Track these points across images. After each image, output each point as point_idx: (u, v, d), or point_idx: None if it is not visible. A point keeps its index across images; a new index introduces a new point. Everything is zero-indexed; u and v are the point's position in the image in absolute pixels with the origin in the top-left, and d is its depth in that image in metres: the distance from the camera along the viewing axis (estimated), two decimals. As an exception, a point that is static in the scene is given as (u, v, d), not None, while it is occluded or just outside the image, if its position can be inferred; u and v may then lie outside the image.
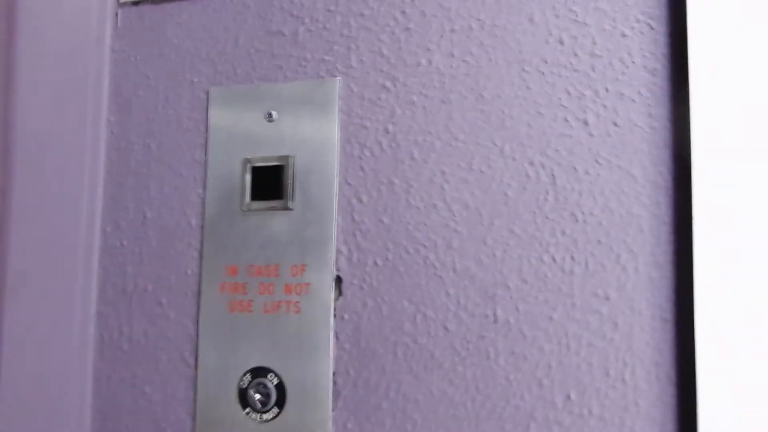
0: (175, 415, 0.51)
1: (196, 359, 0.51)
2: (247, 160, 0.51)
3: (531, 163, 0.46)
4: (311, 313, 0.49)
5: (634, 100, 0.45)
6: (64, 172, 0.54)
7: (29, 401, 0.52)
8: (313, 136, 0.50)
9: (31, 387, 0.51)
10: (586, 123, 0.46)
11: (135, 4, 0.56)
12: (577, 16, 0.46)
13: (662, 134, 0.44)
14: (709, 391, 0.40)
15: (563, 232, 0.45)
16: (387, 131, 0.49)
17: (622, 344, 0.44)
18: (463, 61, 0.48)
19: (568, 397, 0.44)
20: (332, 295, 0.49)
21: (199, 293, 0.52)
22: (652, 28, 0.45)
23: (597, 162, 0.45)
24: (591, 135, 0.45)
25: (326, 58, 0.51)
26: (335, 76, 0.51)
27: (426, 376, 0.47)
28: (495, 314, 0.46)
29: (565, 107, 0.46)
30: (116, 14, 0.57)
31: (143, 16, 0.56)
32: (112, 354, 0.53)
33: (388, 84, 0.50)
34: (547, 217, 0.46)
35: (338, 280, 0.49)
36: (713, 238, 0.41)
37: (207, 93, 0.53)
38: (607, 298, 0.44)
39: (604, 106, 0.45)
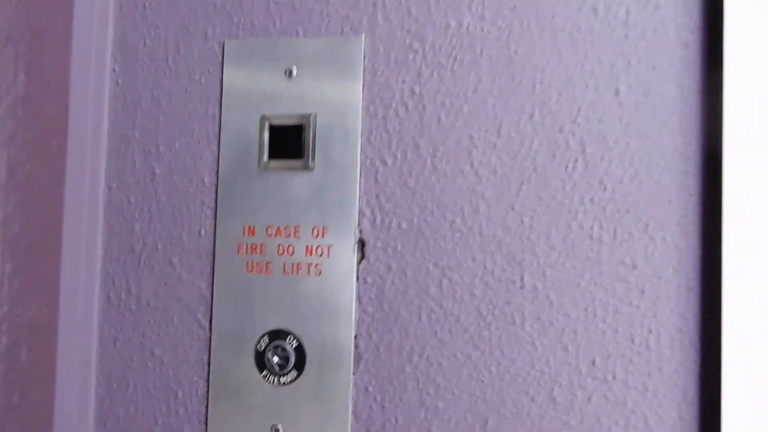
0: (187, 378, 0.50)
1: (211, 321, 0.50)
2: (264, 118, 0.50)
3: (560, 131, 0.46)
4: (333, 276, 0.48)
5: (665, 71, 0.45)
6: (66, 124, 0.51)
7: (31, 361, 0.50)
8: (336, 96, 0.49)
9: (32, 347, 0.49)
10: (617, 92, 0.46)
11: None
12: (613, -17, 0.46)
13: (693, 105, 0.45)
14: (733, 359, 0.42)
15: (592, 200, 0.46)
16: (413, 93, 0.49)
17: (648, 311, 0.45)
18: (495, 24, 0.48)
19: (593, 362, 0.45)
20: (355, 257, 0.48)
21: (213, 253, 0.50)
22: (686, 1, 0.45)
23: (627, 131, 0.46)
24: (622, 104, 0.46)
25: (351, 14, 0.50)
26: (360, 34, 0.49)
27: (450, 340, 0.47)
28: (522, 280, 0.46)
29: (596, 76, 0.46)
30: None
31: (152, -39, 0.53)
32: (119, 314, 0.51)
33: (415, 45, 0.49)
34: (575, 185, 0.46)
35: (361, 243, 0.48)
36: (742, 209, 0.43)
37: (222, 46, 0.51)
38: (634, 267, 0.45)
39: (635, 76, 0.46)
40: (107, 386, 0.51)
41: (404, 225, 0.48)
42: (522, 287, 0.46)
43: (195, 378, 0.50)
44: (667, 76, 0.45)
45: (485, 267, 0.47)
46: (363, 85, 0.49)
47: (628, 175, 0.45)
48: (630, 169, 0.45)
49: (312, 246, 0.49)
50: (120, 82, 0.53)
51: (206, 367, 0.50)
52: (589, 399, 0.45)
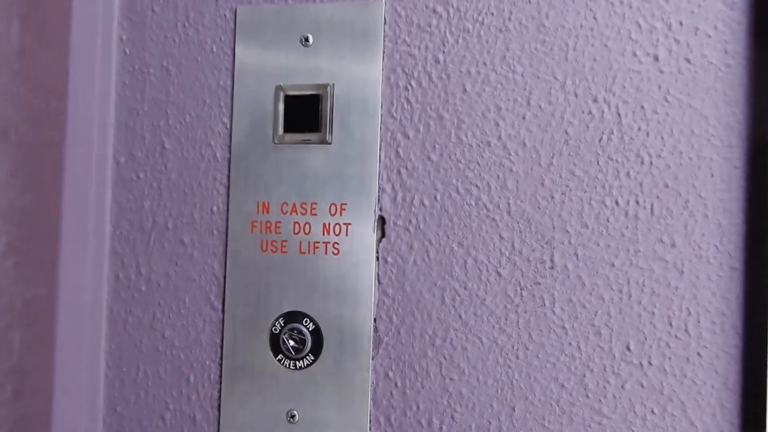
0: (199, 362, 0.48)
1: (224, 302, 0.48)
2: (279, 88, 0.47)
3: (595, 100, 0.44)
4: (351, 255, 0.46)
5: (709, 36, 0.42)
6: (71, 96, 0.49)
7: (38, 344, 0.48)
8: (354, 65, 0.47)
9: (40, 329, 0.48)
10: (656, 58, 0.43)
11: None
12: (653, -60, 0.43)
13: (738, 73, 0.42)
14: (782, 343, 0.39)
15: (628, 174, 0.43)
16: (437, 61, 0.46)
17: (687, 293, 0.42)
18: (524, -14, 0.45)
19: (627, 347, 0.42)
20: (375, 236, 0.46)
21: (226, 232, 0.48)
22: (732, -42, 0.42)
23: (666, 100, 0.43)
24: (661, 71, 0.43)
25: (370, -22, 0.47)
26: (379, -1, 0.47)
27: (475, 323, 0.44)
28: (552, 260, 0.44)
29: (634, 41, 0.43)
30: None
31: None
32: (128, 295, 0.50)
33: (439, 9, 0.46)
34: (610, 158, 0.43)
35: (381, 221, 0.46)
36: (792, 184, 0.40)
37: (234, 13, 0.49)
38: (673, 245, 0.42)
39: (677, 41, 0.43)
40: (117, 370, 0.49)
41: (427, 202, 0.46)
42: (552, 267, 0.44)
43: (207, 362, 0.48)
44: (711, 41, 0.42)
45: (513, 246, 0.44)
46: (383, 53, 0.47)
47: (668, 148, 0.43)
48: (669, 140, 0.43)
49: (329, 224, 0.46)
50: (128, 51, 0.51)
51: (219, 351, 0.48)
52: (622, 386, 0.42)
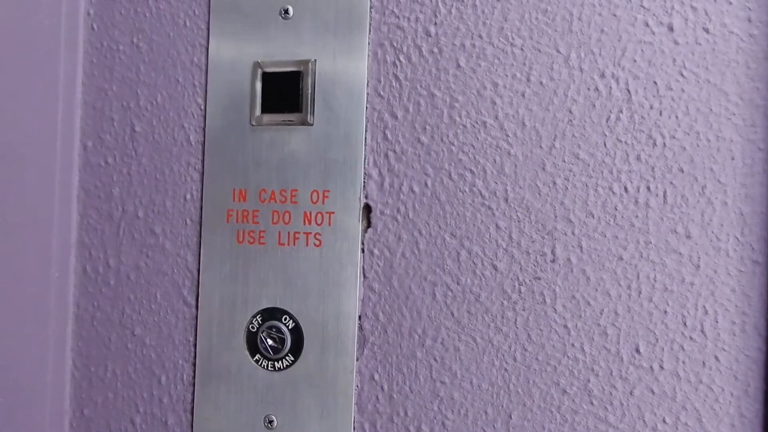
0: (171, 361, 0.45)
1: (197, 298, 0.45)
2: (257, 65, 0.44)
3: (602, 75, 0.40)
4: (334, 247, 0.42)
5: (729, 2, 0.38)
6: (33, 75, 0.46)
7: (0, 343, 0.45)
8: (338, 38, 0.43)
9: (1, 326, 0.45)
10: (670, 28, 0.39)
11: None
12: None
13: (763, 44, 0.38)
14: (810, 346, 0.35)
15: (638, 158, 0.39)
16: (428, 34, 0.42)
17: (703, 289, 0.38)
18: (524, -50, 0.41)
19: (637, 349, 0.39)
20: (360, 226, 0.42)
21: (200, 221, 0.45)
22: None
23: (682, 75, 0.39)
24: (676, 42, 0.39)
25: (355, -57, 0.43)
26: (365, -34, 0.43)
27: (469, 322, 0.41)
28: (553, 252, 0.40)
29: (646, 9, 0.39)
30: None
31: None
32: (96, 290, 0.47)
33: (430, -24, 0.42)
34: (619, 140, 0.39)
35: (367, 209, 0.43)
36: (823, 167, 0.36)
37: (208, -17, 0.45)
38: (688, 236, 0.38)
39: (693, 8, 0.39)
40: (84, 370, 0.46)
41: (416, 188, 0.42)
42: (554, 260, 0.40)
43: (180, 362, 0.45)
44: (732, 7, 0.38)
45: (510, 237, 0.41)
46: (369, 25, 0.43)
47: (683, 128, 0.39)
48: (685, 120, 0.39)
49: (311, 213, 0.43)
50: (96, 27, 0.47)
51: (192, 350, 0.45)
52: (631, 392, 0.39)
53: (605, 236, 0.39)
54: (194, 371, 0.45)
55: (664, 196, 0.39)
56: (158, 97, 0.46)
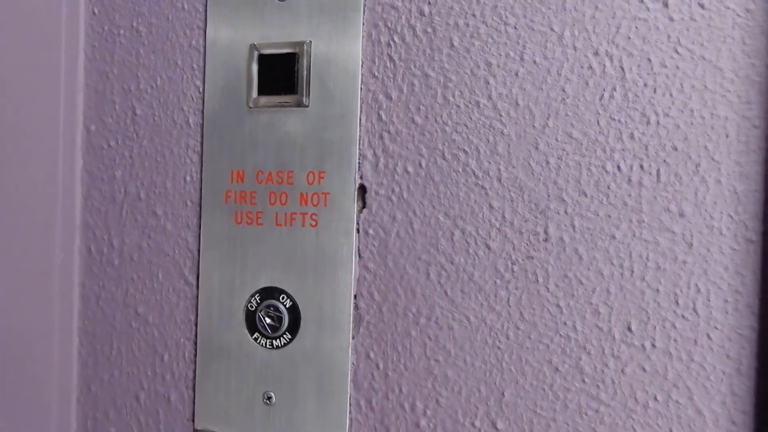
0: (173, 339, 0.47)
1: (198, 277, 0.46)
2: (254, 47, 0.45)
3: (596, 53, 0.40)
4: (330, 227, 0.44)
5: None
6: (36, 60, 0.47)
7: (6, 322, 0.47)
8: (333, 19, 0.44)
9: (7, 306, 0.47)
10: (665, 4, 0.39)
11: None
12: None
13: (760, 19, 0.38)
14: (801, 325, 0.36)
15: (632, 136, 0.39)
16: (422, 13, 0.43)
17: (696, 268, 0.39)
18: (517, -74, 0.41)
19: (629, 327, 0.39)
20: (355, 206, 0.43)
21: (200, 203, 0.46)
22: None
23: (677, 52, 0.39)
24: (671, 19, 0.39)
25: None
26: (360, -54, 0.44)
27: (463, 300, 0.42)
28: (546, 231, 0.41)
29: (640, -15, 0.39)
30: None
31: None
32: (101, 270, 0.48)
33: (424, -45, 0.43)
34: (612, 118, 0.40)
35: (362, 190, 0.44)
36: (817, 144, 0.36)
37: (205, -35, 0.46)
38: (682, 215, 0.39)
39: (689, -16, 0.39)
40: (90, 348, 0.48)
41: (411, 169, 0.43)
42: (546, 240, 0.41)
43: (182, 340, 0.47)
44: (728, -17, 0.38)
45: (504, 216, 0.41)
46: (364, 5, 0.44)
47: (677, 105, 0.39)
48: (679, 97, 0.39)
49: (307, 194, 0.44)
50: (96, 12, 0.49)
51: (193, 328, 0.46)
52: (622, 370, 0.40)
53: (598, 215, 0.40)
54: (195, 349, 0.46)
55: (658, 175, 0.39)
56: (158, 79, 0.47)
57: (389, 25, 0.43)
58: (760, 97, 0.38)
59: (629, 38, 0.40)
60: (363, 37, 0.44)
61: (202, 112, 0.46)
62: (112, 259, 0.48)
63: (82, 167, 0.49)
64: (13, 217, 0.46)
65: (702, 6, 0.39)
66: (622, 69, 0.40)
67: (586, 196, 0.40)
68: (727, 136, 0.38)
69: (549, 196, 0.41)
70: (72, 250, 0.48)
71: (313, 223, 0.44)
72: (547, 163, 0.41)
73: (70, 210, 0.48)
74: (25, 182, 0.47)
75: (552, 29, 0.41)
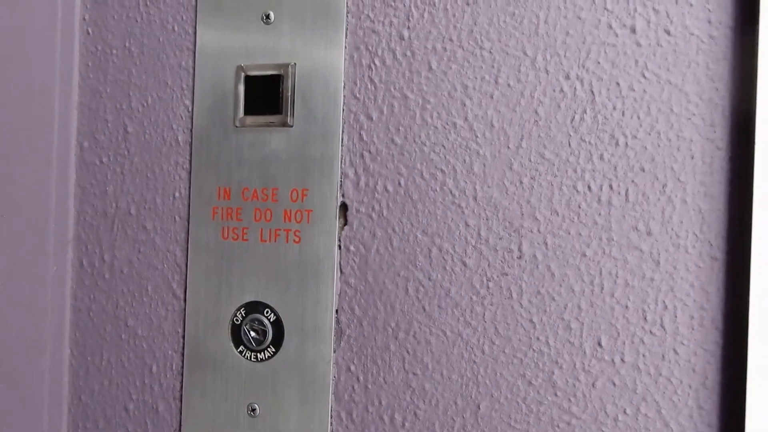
0: (161, 351, 0.49)
1: (185, 291, 0.49)
2: (240, 69, 0.47)
3: (567, 77, 0.42)
4: (313, 244, 0.46)
5: (690, 4, 0.40)
6: (32, 77, 0.50)
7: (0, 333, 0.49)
8: (317, 42, 0.46)
9: (1, 316, 0.49)
10: (633, 30, 0.41)
11: None
12: None
13: (722, 45, 0.40)
14: (761, 340, 0.38)
15: (601, 157, 0.42)
16: (401, 37, 0.45)
17: (663, 285, 0.41)
18: (493, -46, 0.44)
19: (599, 342, 0.42)
20: (336, 223, 0.46)
21: (188, 218, 0.49)
22: None
23: (644, 76, 0.41)
24: (638, 44, 0.41)
25: (332, -51, 0.46)
26: (343, -29, 0.46)
27: (440, 315, 0.44)
28: (520, 249, 0.43)
29: (609, 11, 0.42)
30: None
31: None
32: (92, 282, 0.51)
33: (404, -19, 0.45)
34: (583, 140, 0.42)
35: (343, 207, 0.46)
36: (777, 167, 0.38)
37: (195, -11, 0.49)
38: (649, 233, 0.41)
39: (655, 11, 0.41)
40: (81, 358, 0.51)
41: (390, 187, 0.45)
42: (520, 257, 0.43)
43: (169, 352, 0.49)
44: (693, 9, 0.40)
45: (479, 234, 0.43)
46: (346, 29, 0.46)
47: (644, 128, 0.41)
48: (646, 120, 0.41)
49: (291, 210, 0.46)
50: (90, 32, 0.51)
51: (181, 341, 0.49)
52: (593, 384, 0.42)
53: (569, 233, 0.42)
54: (182, 361, 0.49)
55: (626, 195, 0.41)
56: (149, 98, 0.50)
57: (370, 48, 0.46)
58: (723, 120, 0.40)
59: (599, 63, 0.42)
60: (345, 59, 0.46)
61: (191, 130, 0.49)
62: (103, 272, 0.51)
63: (75, 182, 0.51)
64: (7, 230, 0.49)
65: (668, 32, 0.41)
66: (592, 92, 0.42)
67: (557, 215, 0.42)
68: (692, 158, 0.40)
69: (523, 214, 0.43)
70: (64, 263, 0.51)
71: (297, 239, 0.46)
72: (521, 182, 0.43)
73: (63, 224, 0.51)
74: (19, 197, 0.49)
75: (525, 53, 0.43)
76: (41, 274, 0.50)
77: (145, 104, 0.50)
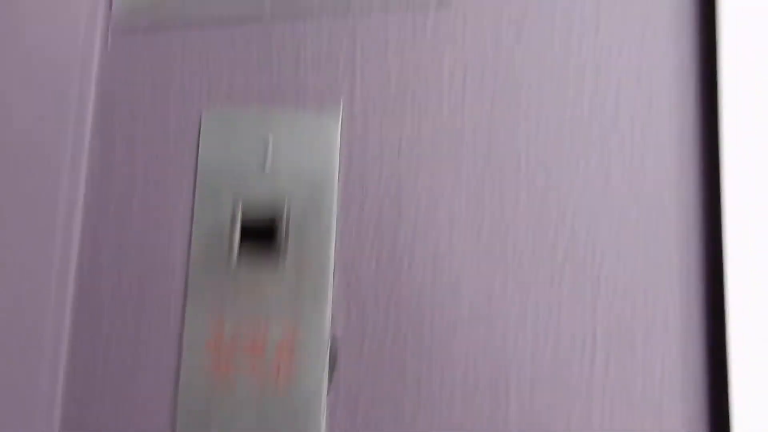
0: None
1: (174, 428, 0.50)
2: (236, 204, 0.51)
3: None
4: (302, 383, 0.48)
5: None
6: (36, 202, 0.53)
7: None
8: (311, 191, 0.50)
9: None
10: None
11: (129, 31, 0.56)
12: None
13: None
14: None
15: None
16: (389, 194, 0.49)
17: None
18: (477, 84, 0.48)
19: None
20: (326, 364, 0.48)
21: (179, 350, 0.51)
22: None
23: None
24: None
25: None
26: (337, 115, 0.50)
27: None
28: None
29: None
30: (107, 37, 0.56)
31: (136, 42, 0.55)
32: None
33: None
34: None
35: (334, 346, 0.48)
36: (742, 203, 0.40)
37: (200, 118, 0.53)
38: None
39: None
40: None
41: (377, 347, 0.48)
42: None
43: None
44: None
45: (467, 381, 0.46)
46: (338, 181, 0.50)
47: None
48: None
49: (282, 348, 0.49)
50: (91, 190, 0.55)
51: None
52: None
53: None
54: None
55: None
56: (147, 246, 0.53)
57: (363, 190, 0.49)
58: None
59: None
60: (337, 202, 0.49)
61: (187, 265, 0.52)
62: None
63: (70, 314, 0.54)
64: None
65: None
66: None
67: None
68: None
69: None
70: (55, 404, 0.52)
71: (287, 377, 0.48)
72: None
73: (56, 357, 0.53)
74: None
75: (508, 184, 0.46)
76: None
77: (145, 241, 0.53)
